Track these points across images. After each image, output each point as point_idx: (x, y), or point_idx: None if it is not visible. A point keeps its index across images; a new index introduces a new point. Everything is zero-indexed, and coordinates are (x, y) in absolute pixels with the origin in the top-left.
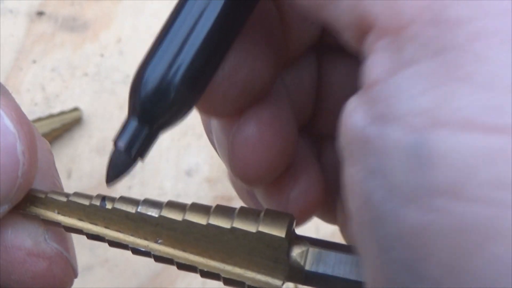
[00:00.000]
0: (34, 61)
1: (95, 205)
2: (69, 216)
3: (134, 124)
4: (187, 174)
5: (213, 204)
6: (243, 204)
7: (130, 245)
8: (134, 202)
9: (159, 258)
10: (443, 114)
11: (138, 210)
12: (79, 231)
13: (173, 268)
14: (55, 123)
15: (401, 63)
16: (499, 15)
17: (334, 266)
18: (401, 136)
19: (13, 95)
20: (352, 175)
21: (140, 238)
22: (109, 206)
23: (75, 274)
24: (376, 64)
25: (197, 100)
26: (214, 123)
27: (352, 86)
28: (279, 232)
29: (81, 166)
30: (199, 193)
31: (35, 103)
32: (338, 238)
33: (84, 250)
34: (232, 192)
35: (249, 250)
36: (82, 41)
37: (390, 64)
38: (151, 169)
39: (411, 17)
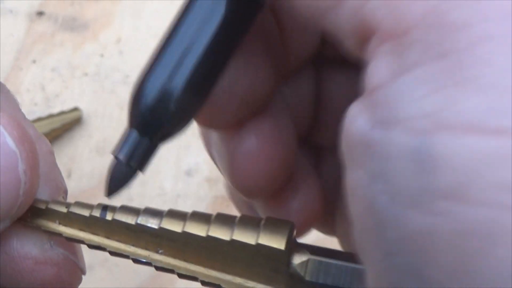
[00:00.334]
0: (34, 61)
1: (95, 217)
2: (71, 227)
3: (134, 136)
4: (187, 174)
5: (213, 204)
6: None
7: (131, 256)
8: (135, 212)
9: (160, 268)
10: (447, 117)
11: (138, 221)
12: (80, 241)
13: None
14: (55, 123)
15: (404, 67)
16: (502, 18)
17: (335, 276)
18: (405, 139)
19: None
20: (355, 180)
21: (141, 248)
22: (109, 217)
23: (83, 273)
24: (379, 69)
25: (198, 112)
26: (214, 136)
27: (351, 98)
28: (278, 244)
29: (81, 166)
30: (199, 193)
31: (35, 103)
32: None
33: (84, 250)
34: None
35: (249, 261)
36: (82, 41)
37: (393, 68)
38: (151, 169)
39: (414, 21)
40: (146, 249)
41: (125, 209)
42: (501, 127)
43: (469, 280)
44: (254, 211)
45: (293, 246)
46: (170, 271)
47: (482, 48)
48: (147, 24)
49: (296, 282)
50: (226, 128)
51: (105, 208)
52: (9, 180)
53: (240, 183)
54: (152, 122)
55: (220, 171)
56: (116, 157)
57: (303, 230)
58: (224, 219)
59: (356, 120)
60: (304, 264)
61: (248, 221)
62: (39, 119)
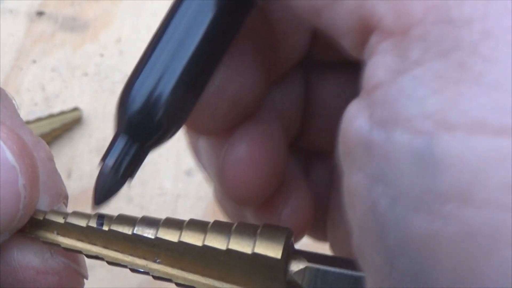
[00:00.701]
0: (34, 61)
1: (93, 227)
2: (68, 237)
3: (122, 142)
4: (187, 174)
5: (213, 204)
6: None
7: (128, 265)
8: (131, 221)
9: (158, 277)
10: (451, 116)
11: (135, 231)
12: (78, 251)
13: None
14: (55, 123)
15: (406, 65)
16: (505, 15)
17: (332, 284)
18: (408, 140)
19: (13, 95)
20: (355, 183)
21: (139, 257)
22: (106, 227)
23: (86, 278)
24: (380, 66)
25: (187, 116)
26: (203, 143)
27: (341, 101)
28: (275, 253)
29: (81, 166)
30: (199, 193)
31: (35, 103)
32: None
33: None
34: None
35: (246, 270)
36: (82, 41)
37: (395, 65)
38: (151, 169)
39: (417, 17)
40: (144, 258)
41: (122, 218)
42: (505, 126)
43: (474, 283)
44: (244, 219)
45: (291, 254)
46: (168, 280)
47: (485, 45)
48: (147, 24)
49: None
50: (216, 133)
51: (101, 218)
52: (9, 195)
53: (231, 190)
54: (140, 128)
55: (210, 179)
56: (103, 164)
57: (296, 237)
58: (220, 227)
59: (355, 120)
60: (302, 272)
61: (245, 229)
62: (39, 119)
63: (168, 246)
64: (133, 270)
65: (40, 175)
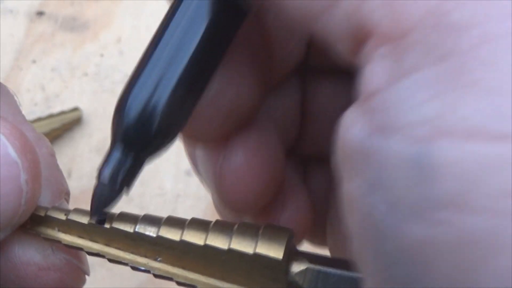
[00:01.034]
0: (34, 61)
1: (94, 224)
2: (70, 234)
3: (118, 153)
4: (187, 174)
5: (213, 205)
6: None
7: (129, 263)
8: (133, 219)
9: (159, 276)
10: (448, 123)
11: (137, 229)
12: (79, 248)
13: None
14: (55, 123)
15: (402, 71)
16: (504, 18)
17: (333, 285)
18: (404, 147)
19: None
20: (352, 190)
21: (140, 255)
22: (107, 224)
23: (87, 274)
24: (375, 73)
25: (183, 126)
26: (200, 152)
27: (337, 108)
28: (276, 253)
29: (81, 166)
30: (199, 193)
31: (35, 103)
32: None
33: None
34: None
35: (248, 270)
36: (82, 41)
37: (391, 72)
38: (151, 169)
39: (413, 23)
40: (145, 256)
41: (124, 216)
42: (503, 132)
43: None
44: None
45: (292, 254)
46: (169, 279)
47: (484, 50)
48: (147, 24)
49: None
50: (212, 142)
51: (104, 215)
52: (11, 191)
53: (229, 199)
54: (136, 138)
55: (207, 187)
56: (100, 175)
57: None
58: (222, 227)
59: (352, 127)
60: (303, 273)
61: (247, 229)
62: (39, 119)
63: (170, 244)
64: (134, 268)
65: (42, 171)
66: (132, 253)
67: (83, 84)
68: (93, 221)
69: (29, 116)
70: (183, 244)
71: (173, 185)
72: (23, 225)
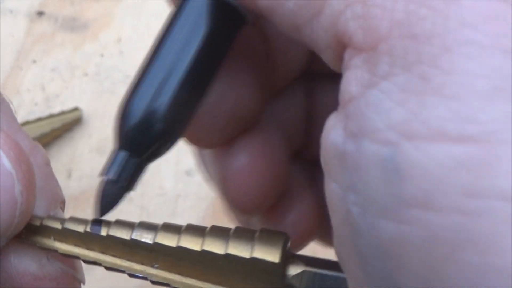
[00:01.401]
0: (34, 61)
1: (90, 232)
2: (66, 243)
3: (122, 156)
4: (187, 174)
5: (213, 204)
6: None
7: (126, 271)
8: (129, 226)
9: (156, 282)
10: (413, 126)
11: (133, 236)
12: (76, 257)
13: None
14: (55, 123)
15: (374, 79)
16: (467, 28)
17: (330, 287)
18: (375, 150)
19: (13, 95)
20: (332, 191)
21: (137, 262)
22: (104, 232)
23: (83, 283)
24: (352, 81)
25: (184, 130)
26: (207, 154)
27: None
28: (273, 257)
29: (81, 166)
30: (199, 193)
31: (35, 103)
32: None
33: None
34: None
35: (245, 274)
36: (82, 41)
37: (365, 79)
38: (151, 169)
39: (383, 34)
40: (142, 263)
41: (120, 223)
42: (463, 134)
43: (438, 286)
44: (251, 225)
45: (288, 258)
46: (166, 285)
47: (448, 57)
48: (147, 24)
49: None
50: (214, 146)
51: (99, 223)
52: (5, 201)
53: (233, 201)
54: (138, 142)
55: (214, 188)
56: (105, 178)
57: (300, 244)
58: (218, 232)
59: (332, 132)
60: (299, 276)
61: (243, 234)
62: (39, 119)
63: (167, 251)
64: (131, 275)
65: (36, 181)
66: (129, 260)
67: (83, 84)
68: (97, 218)
69: (29, 116)
70: (180, 250)
71: (173, 185)
72: (18, 235)
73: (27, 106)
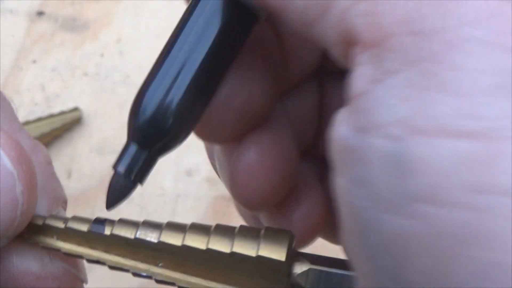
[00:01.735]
0: (34, 61)
1: (93, 232)
2: (69, 242)
3: (133, 149)
4: (187, 174)
5: (213, 204)
6: None
7: (130, 270)
8: (133, 225)
9: (161, 281)
10: (420, 122)
11: (137, 235)
12: (79, 256)
13: None
14: (55, 123)
15: (381, 74)
16: (469, 25)
17: (335, 285)
18: (382, 145)
19: (13, 95)
20: (340, 186)
21: (141, 261)
22: (107, 231)
23: (85, 282)
24: (359, 77)
25: (195, 125)
26: (217, 149)
27: None
28: (279, 255)
29: (81, 166)
30: (199, 193)
31: (35, 103)
32: None
33: None
34: None
35: (250, 273)
36: (82, 41)
37: (372, 75)
38: None
39: (389, 30)
40: (146, 262)
41: (124, 222)
42: (470, 130)
43: (445, 282)
44: (260, 222)
45: (294, 256)
46: (171, 284)
47: (454, 53)
48: (147, 24)
49: None
50: (225, 141)
51: (103, 222)
52: (6, 202)
53: (242, 197)
54: (150, 135)
55: (224, 184)
56: (115, 170)
57: (307, 240)
58: (223, 231)
59: (339, 127)
60: (305, 274)
61: (248, 232)
62: (39, 119)
63: (171, 249)
64: (135, 274)
65: (38, 180)
66: (133, 259)
67: (83, 84)
68: (108, 212)
69: (29, 116)
70: (185, 248)
71: (173, 185)
72: (20, 235)
73: (27, 106)
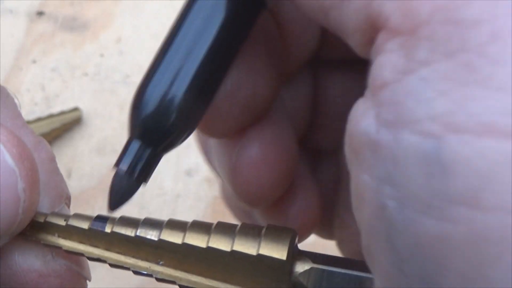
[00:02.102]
0: (34, 61)
1: (95, 229)
2: (70, 239)
3: (136, 145)
4: (187, 174)
5: (213, 204)
6: None
7: (131, 268)
8: (134, 223)
9: (161, 279)
10: (459, 119)
11: (138, 233)
12: (80, 254)
13: None
14: (55, 123)
15: (412, 65)
16: None
17: (337, 284)
18: (415, 142)
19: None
20: (363, 184)
21: (142, 259)
22: (108, 229)
23: (89, 280)
24: (386, 66)
25: (199, 120)
26: (214, 143)
27: (347, 101)
28: (280, 254)
29: (81, 166)
30: (199, 193)
31: (35, 103)
32: None
33: None
34: None
35: (251, 271)
36: (82, 41)
37: (401, 66)
38: None
39: (424, 17)
40: (147, 260)
41: (124, 220)
42: None
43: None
44: (252, 218)
45: (295, 255)
46: (172, 282)
47: (496, 46)
48: (147, 24)
49: None
50: (228, 136)
51: (104, 220)
52: (8, 199)
53: (243, 192)
54: (154, 129)
55: (221, 179)
56: (117, 169)
57: (303, 235)
58: (224, 229)
59: (362, 120)
60: (307, 273)
61: (249, 230)
62: (39, 119)
63: (172, 248)
64: (136, 273)
65: (40, 177)
66: (134, 257)
67: (83, 84)
68: (111, 213)
69: (29, 116)
70: (186, 247)
71: (173, 185)
72: (22, 232)
73: (27, 106)
